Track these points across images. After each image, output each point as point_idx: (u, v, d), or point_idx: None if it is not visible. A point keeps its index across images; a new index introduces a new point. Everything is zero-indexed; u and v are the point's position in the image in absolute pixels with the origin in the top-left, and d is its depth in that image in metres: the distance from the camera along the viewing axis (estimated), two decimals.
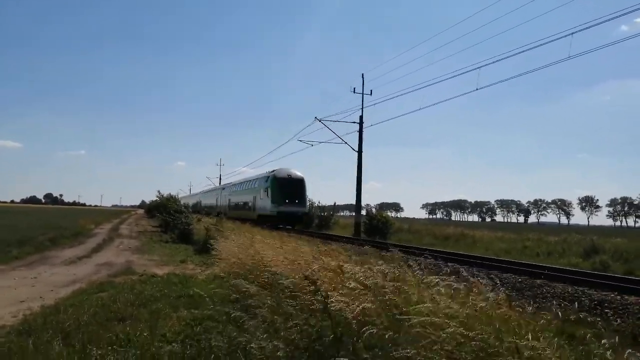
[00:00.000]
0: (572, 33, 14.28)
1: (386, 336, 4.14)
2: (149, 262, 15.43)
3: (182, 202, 35.41)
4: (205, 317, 7.05)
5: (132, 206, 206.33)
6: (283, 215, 32.01)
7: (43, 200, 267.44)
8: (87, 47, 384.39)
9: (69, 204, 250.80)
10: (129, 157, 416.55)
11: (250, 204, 38.83)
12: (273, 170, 35.15)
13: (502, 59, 17.05)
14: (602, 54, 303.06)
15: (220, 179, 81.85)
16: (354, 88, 32.66)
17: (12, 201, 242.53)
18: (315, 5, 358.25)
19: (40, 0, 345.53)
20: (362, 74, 32.63)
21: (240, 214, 40.60)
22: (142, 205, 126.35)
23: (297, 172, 34.61)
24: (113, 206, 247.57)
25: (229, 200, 48.81)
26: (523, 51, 16.57)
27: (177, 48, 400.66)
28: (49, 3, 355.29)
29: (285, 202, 32.38)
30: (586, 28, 14.10)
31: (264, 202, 34.31)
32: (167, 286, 10.09)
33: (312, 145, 35.21)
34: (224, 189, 54.90)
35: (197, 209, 61.42)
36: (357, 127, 32.25)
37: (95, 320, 6.96)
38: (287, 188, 32.92)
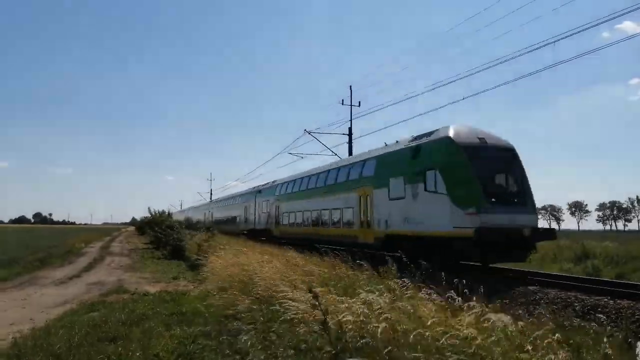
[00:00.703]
0: (554, 42, 14.49)
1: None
2: (141, 280, 15.26)
3: (180, 217, 33.41)
4: (198, 335, 6.98)
5: (122, 223, 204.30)
6: (494, 236, 11.73)
7: (32, 220, 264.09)
8: (72, 61, 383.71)
9: (58, 223, 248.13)
10: (118, 174, 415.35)
11: (348, 215, 18.59)
12: (434, 132, 14.43)
13: (489, 67, 17.17)
14: (588, 60, 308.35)
15: (211, 194, 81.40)
16: (342, 100, 32.77)
17: (0, 222, 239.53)
18: (304, 14, 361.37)
19: (25, 11, 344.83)
20: (350, 86, 32.29)
21: (317, 233, 21.48)
22: (133, 222, 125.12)
23: (498, 136, 14.24)
24: (104, 224, 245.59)
25: (277, 208, 28.14)
26: (508, 60, 16.74)
27: (163, 61, 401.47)
28: (35, 13, 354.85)
29: (491, 201, 12.29)
30: (566, 37, 14.31)
31: (420, 207, 13.74)
32: (160, 304, 10.00)
33: (302, 157, 34.54)
34: (260, 192, 33.76)
35: (205, 225, 43.95)
36: (347, 138, 32.37)
37: (86, 341, 6.85)
38: (490, 169, 13.30)
